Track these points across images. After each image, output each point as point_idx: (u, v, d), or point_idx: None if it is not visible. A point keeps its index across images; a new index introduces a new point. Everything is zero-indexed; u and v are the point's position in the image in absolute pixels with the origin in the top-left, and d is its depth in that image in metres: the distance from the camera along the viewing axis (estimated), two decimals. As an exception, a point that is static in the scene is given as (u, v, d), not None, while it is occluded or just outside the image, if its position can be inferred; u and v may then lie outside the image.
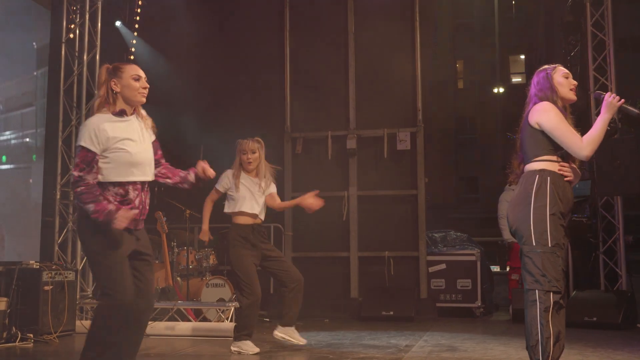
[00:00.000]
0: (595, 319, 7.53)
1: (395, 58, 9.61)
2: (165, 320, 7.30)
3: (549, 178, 3.73)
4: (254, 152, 6.01)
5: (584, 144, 3.70)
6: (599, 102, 3.99)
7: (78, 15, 8.22)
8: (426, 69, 9.70)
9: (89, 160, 3.63)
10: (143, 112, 3.94)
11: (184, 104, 9.93)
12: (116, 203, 3.63)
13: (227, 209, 5.96)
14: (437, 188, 21.22)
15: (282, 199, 9.51)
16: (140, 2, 9.83)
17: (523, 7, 30.50)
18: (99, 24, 8.36)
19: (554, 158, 3.79)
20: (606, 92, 4.01)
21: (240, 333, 5.74)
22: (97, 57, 8.28)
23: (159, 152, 4.03)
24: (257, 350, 5.71)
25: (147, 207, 3.85)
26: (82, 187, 3.59)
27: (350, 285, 9.32)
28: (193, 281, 8.20)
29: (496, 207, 9.68)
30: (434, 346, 6.23)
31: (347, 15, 9.73)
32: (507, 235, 9.14)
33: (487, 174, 28.49)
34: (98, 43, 8.33)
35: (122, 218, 3.54)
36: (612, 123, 8.31)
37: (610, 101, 3.80)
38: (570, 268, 9.03)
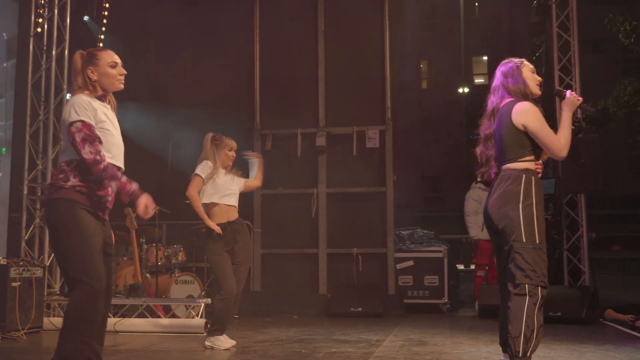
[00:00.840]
0: (560, 313, 7.68)
1: (365, 56, 9.67)
2: (135, 317, 7.26)
3: (533, 178, 3.86)
4: (235, 150, 6.09)
5: (562, 145, 3.84)
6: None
7: (47, 9, 8.11)
8: (395, 66, 9.77)
9: (95, 133, 3.57)
10: (112, 98, 3.89)
11: (153, 100, 9.85)
12: (92, 186, 3.59)
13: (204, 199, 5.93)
14: (402, 187, 21.41)
15: (251, 196, 9.58)
16: (108, -3, 9.74)
17: (486, 9, 30.92)
18: (68, 18, 8.26)
19: (533, 157, 3.91)
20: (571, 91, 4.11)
21: (213, 328, 5.75)
22: (66, 51, 8.18)
23: None
24: (232, 343, 5.71)
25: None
26: (106, 163, 3.56)
27: (319, 281, 9.36)
28: (162, 278, 8.16)
29: (460, 206, 9.83)
30: (404, 340, 6.30)
31: (317, 12, 9.76)
32: (473, 233, 9.29)
33: (451, 173, 28.84)
34: (67, 37, 8.23)
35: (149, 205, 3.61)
36: (576, 122, 8.49)
37: (572, 99, 3.93)
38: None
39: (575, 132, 8.43)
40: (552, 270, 8.79)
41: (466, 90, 31.74)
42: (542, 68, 10.15)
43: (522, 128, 3.88)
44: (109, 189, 3.68)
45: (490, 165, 4.08)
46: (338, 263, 9.38)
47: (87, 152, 3.51)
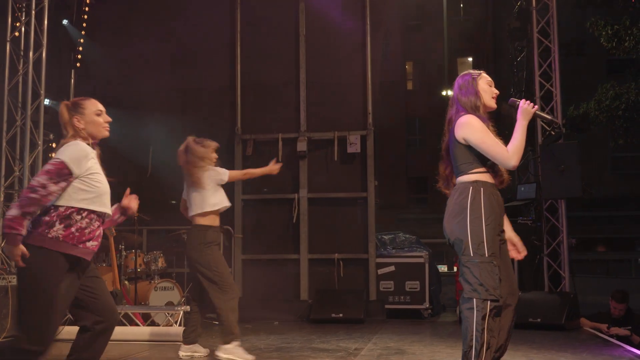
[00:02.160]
0: (539, 319, 7.69)
1: (346, 61, 9.67)
2: (113, 325, 7.18)
3: (482, 189, 3.80)
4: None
5: (510, 154, 3.77)
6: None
7: (24, 13, 8.03)
8: (377, 71, 9.75)
9: (64, 175, 3.54)
10: (97, 147, 3.85)
11: (133, 106, 9.79)
12: (75, 233, 3.56)
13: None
14: (387, 188, 21.42)
15: (232, 202, 9.48)
16: (88, 1, 9.65)
17: (471, 11, 30.98)
18: (46, 23, 8.18)
19: (484, 169, 3.86)
20: (535, 100, 4.11)
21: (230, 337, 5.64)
22: (44, 55, 8.11)
23: None
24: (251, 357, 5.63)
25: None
26: (40, 194, 3.45)
27: (300, 287, 9.34)
28: (141, 284, 8.11)
29: (445, 207, 9.81)
30: (382, 349, 6.28)
31: (298, 17, 9.74)
32: (455, 237, 9.29)
33: (437, 174, 28.86)
34: (44, 42, 8.15)
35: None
36: (556, 128, 8.53)
37: (525, 108, 3.89)
38: (516, 270, 9.22)
39: (554, 138, 8.50)
40: (532, 276, 8.81)
41: (450, 92, 31.81)
42: (524, 73, 10.17)
43: (463, 142, 3.85)
44: (96, 234, 3.64)
45: (447, 179, 4.08)
46: (319, 268, 9.38)
47: (36, 180, 3.48)
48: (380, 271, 9.29)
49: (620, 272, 22.85)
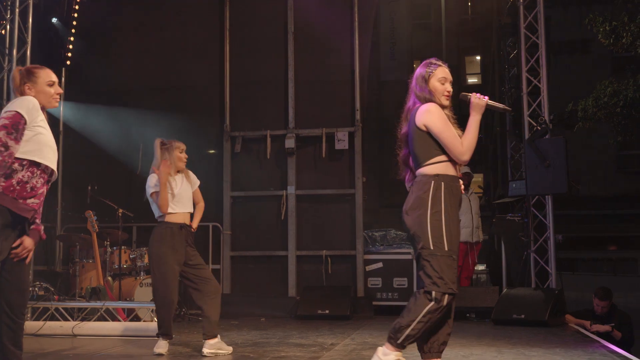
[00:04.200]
0: (523, 316, 7.65)
1: (335, 58, 9.67)
2: (94, 320, 7.23)
3: (443, 184, 3.81)
4: (184, 151, 5.99)
5: (464, 149, 3.80)
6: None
7: (8, 11, 8.09)
8: (365, 68, 9.74)
9: (20, 127, 3.57)
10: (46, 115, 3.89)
11: (123, 103, 9.85)
12: (16, 186, 3.57)
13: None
14: (391, 187, 21.41)
15: (221, 198, 9.61)
16: (78, 0, 9.71)
17: (478, 9, 30.86)
18: (30, 20, 8.25)
19: (445, 158, 3.85)
20: (491, 95, 4.07)
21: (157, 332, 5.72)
22: (28, 53, 8.18)
23: None
24: (159, 351, 5.63)
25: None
26: (4, 156, 3.49)
27: (288, 284, 9.35)
28: (126, 281, 8.15)
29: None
30: (358, 344, 6.27)
31: (287, 14, 9.75)
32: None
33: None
34: (29, 40, 8.22)
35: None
36: (543, 124, 8.48)
37: (477, 102, 3.88)
38: (504, 266, 9.20)
39: (541, 134, 8.44)
40: (519, 272, 8.77)
41: (459, 89, 31.68)
42: (515, 69, 10.12)
43: (424, 129, 3.84)
44: (39, 192, 3.66)
45: (404, 168, 4.06)
46: (307, 265, 9.39)
47: (1, 135, 3.51)
48: (369, 268, 9.29)
49: (626, 271, 22.64)
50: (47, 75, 3.83)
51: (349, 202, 9.40)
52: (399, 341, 3.79)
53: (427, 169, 3.85)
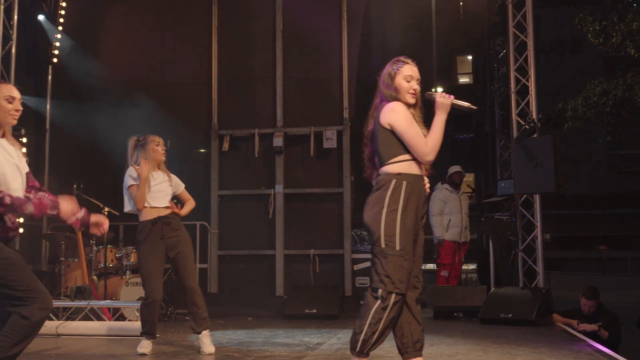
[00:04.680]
0: (510, 315, 7.63)
1: (323, 56, 9.64)
2: (79, 320, 7.17)
3: (404, 183, 3.76)
4: (162, 144, 5.87)
5: (428, 149, 3.75)
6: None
7: (-7, 8, 8.03)
8: (354, 66, 9.70)
9: None
10: (8, 133, 3.73)
11: (110, 100, 9.78)
12: None
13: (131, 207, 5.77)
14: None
15: (208, 197, 9.56)
16: (65, -4, 9.65)
17: (469, 9, 30.88)
18: (15, 17, 8.18)
19: (409, 157, 3.81)
20: (459, 95, 4.03)
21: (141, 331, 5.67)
22: (13, 50, 8.11)
23: (36, 182, 3.83)
24: (142, 351, 5.57)
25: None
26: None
27: (276, 283, 9.32)
28: (112, 280, 8.09)
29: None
30: (344, 344, 6.22)
31: (276, 11, 9.71)
32: (438, 233, 9.24)
33: (433, 172, 28.79)
34: (14, 37, 8.14)
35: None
36: (531, 123, 8.47)
37: (442, 101, 3.84)
38: (492, 265, 9.17)
39: (529, 133, 8.43)
40: (508, 272, 8.76)
41: (450, 89, 31.73)
42: (504, 68, 10.10)
43: (388, 127, 3.80)
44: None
45: (369, 166, 4.03)
46: (295, 264, 9.36)
47: None
48: (357, 267, 9.26)
49: (616, 270, 22.70)
50: (7, 90, 3.63)
51: (337, 201, 9.37)
52: (357, 349, 3.77)
53: (390, 168, 3.81)
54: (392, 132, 3.80)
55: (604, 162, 22.20)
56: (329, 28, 9.59)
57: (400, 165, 3.80)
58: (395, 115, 3.79)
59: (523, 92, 8.84)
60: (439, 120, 3.82)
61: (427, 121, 3.93)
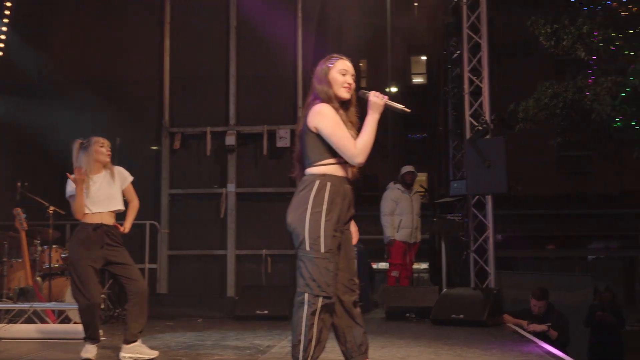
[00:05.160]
0: (462, 316, 7.65)
1: (277, 54, 9.54)
2: (21, 323, 6.93)
3: (329, 184, 3.68)
4: (107, 145, 5.65)
5: (357, 151, 3.68)
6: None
7: None
8: (308, 65, 9.62)
9: None
10: None
11: (58, 96, 9.51)
12: None
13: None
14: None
15: (159, 196, 9.38)
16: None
17: (424, 9, 31.11)
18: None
19: (335, 161, 3.75)
20: (386, 93, 3.98)
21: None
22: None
23: None
24: (86, 356, 5.40)
25: None
26: None
27: (227, 283, 9.20)
28: (57, 281, 7.84)
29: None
30: (295, 346, 6.15)
31: (229, 8, 9.57)
32: (388, 233, 9.23)
33: (387, 171, 28.91)
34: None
35: None
36: (484, 124, 8.51)
37: (375, 100, 3.77)
38: (444, 266, 9.20)
39: (481, 134, 8.47)
40: (459, 272, 8.80)
41: (404, 89, 31.89)
42: (458, 69, 10.15)
43: (315, 131, 3.73)
44: None
45: (296, 166, 3.96)
46: (247, 264, 9.26)
47: None
48: (309, 267, 9.16)
49: (564, 270, 23.12)
50: None
51: (290, 200, 9.24)
52: None
53: (315, 169, 3.75)
54: (319, 136, 3.72)
55: (553, 162, 22.58)
56: (284, 25, 9.50)
57: (326, 167, 3.73)
58: (322, 118, 3.70)
59: (476, 93, 8.88)
60: (371, 120, 3.74)
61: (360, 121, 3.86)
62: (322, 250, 3.61)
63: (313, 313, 3.59)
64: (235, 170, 9.33)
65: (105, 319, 7.68)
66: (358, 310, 3.84)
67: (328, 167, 3.73)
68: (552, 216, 21.79)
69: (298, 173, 3.99)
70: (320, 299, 3.59)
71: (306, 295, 3.60)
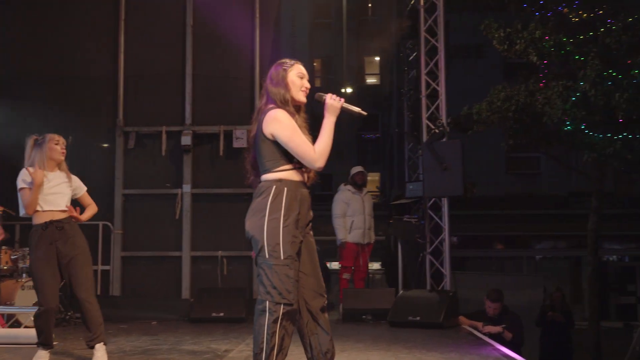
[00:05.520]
0: (419, 318, 7.69)
1: (234, 54, 9.46)
2: (-31, 327, 6.72)
3: (285, 189, 3.64)
4: (62, 143, 5.48)
5: (317, 155, 3.64)
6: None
7: None
8: (266, 66, 9.55)
9: None
10: None
11: (7, 95, 9.24)
12: None
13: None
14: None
15: (112, 197, 9.19)
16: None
17: (378, 10, 31.30)
18: None
19: (291, 166, 3.71)
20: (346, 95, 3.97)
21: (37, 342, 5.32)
22: None
23: None
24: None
25: None
26: None
27: (182, 285, 9.08)
28: (6, 283, 7.62)
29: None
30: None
31: (186, 6, 9.44)
32: (340, 235, 9.20)
33: (342, 171, 29.01)
34: None
35: None
36: (440, 127, 8.57)
37: (332, 103, 3.75)
38: (400, 269, 9.25)
39: (438, 137, 8.54)
40: (415, 274, 8.85)
41: (356, 90, 32.04)
42: (414, 72, 10.21)
43: (271, 137, 3.68)
44: None
45: (251, 172, 3.89)
46: (202, 266, 9.15)
47: None
48: (266, 269, 9.10)
49: (513, 269, 23.54)
50: None
51: (247, 202, 9.09)
52: None
53: (271, 175, 3.69)
54: (275, 142, 3.67)
55: (502, 164, 22.96)
56: (241, 25, 9.41)
57: (282, 173, 3.68)
58: (278, 125, 3.64)
59: (433, 96, 8.95)
60: (328, 124, 3.70)
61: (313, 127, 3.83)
62: (282, 257, 3.56)
63: (275, 321, 3.54)
64: (191, 170, 9.21)
65: (57, 322, 7.48)
66: (326, 316, 3.80)
67: (284, 173, 3.68)
68: (500, 216, 22.12)
69: (253, 180, 3.91)
70: (282, 307, 3.54)
71: (267, 303, 3.55)
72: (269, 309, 3.53)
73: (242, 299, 8.57)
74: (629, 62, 12.14)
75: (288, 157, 3.69)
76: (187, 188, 9.16)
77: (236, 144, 9.15)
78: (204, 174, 9.26)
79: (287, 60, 3.86)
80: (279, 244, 3.57)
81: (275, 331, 3.53)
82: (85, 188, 5.55)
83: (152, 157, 9.30)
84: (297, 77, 3.79)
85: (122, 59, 9.39)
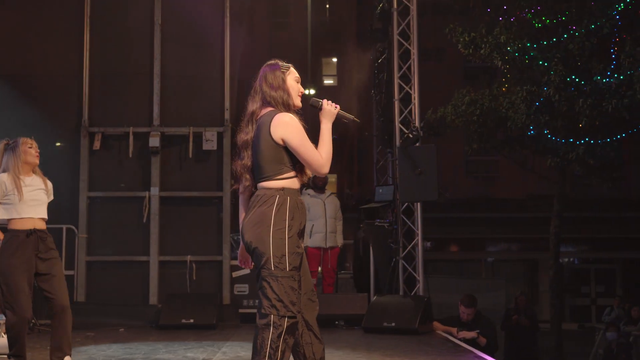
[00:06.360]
0: (393, 324, 7.63)
1: (204, 54, 9.27)
2: None
3: (288, 199, 3.55)
4: (35, 147, 5.24)
5: (324, 161, 3.58)
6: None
7: None
8: (236, 66, 9.38)
9: None
10: None
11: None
12: None
13: (4, 215, 5.13)
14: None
15: (77, 199, 8.91)
16: None
17: (336, 11, 31.29)
18: None
19: (293, 174, 3.62)
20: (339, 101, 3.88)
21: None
22: None
23: None
24: None
25: None
26: None
27: (150, 291, 8.83)
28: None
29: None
30: (232, 359, 5.95)
31: (154, 3, 9.19)
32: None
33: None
34: None
35: None
36: (414, 131, 8.52)
37: (328, 109, 3.69)
38: (372, 274, 9.17)
39: (412, 141, 8.49)
40: (388, 279, 8.78)
41: (313, 91, 31.98)
42: (384, 75, 10.13)
43: (281, 142, 3.57)
44: None
45: (246, 177, 3.74)
46: (171, 271, 8.92)
47: None
48: (235, 274, 8.93)
49: (472, 272, 23.79)
50: None
51: (217, 205, 9.02)
52: None
53: (272, 183, 3.58)
54: (285, 148, 3.57)
55: (461, 167, 23.17)
56: (211, 25, 9.20)
57: (284, 181, 3.58)
58: (290, 129, 3.55)
59: (406, 99, 8.90)
60: (327, 129, 3.64)
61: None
62: (288, 268, 3.47)
63: (279, 336, 3.43)
64: (159, 173, 8.95)
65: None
66: (312, 326, 3.71)
67: (286, 181, 3.58)
68: (458, 219, 22.30)
69: (245, 185, 3.77)
70: (286, 320, 3.44)
71: (272, 317, 3.43)
72: (274, 322, 3.42)
73: (212, 305, 8.40)
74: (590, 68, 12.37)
75: (290, 163, 3.60)
76: (155, 191, 8.91)
77: (206, 146, 8.96)
78: (173, 176, 9.03)
79: (281, 63, 3.75)
80: (285, 255, 3.47)
81: (279, 346, 3.43)
82: (52, 198, 5.31)
83: (118, 159, 9.03)
84: (294, 82, 3.72)
85: (88, 57, 9.09)
